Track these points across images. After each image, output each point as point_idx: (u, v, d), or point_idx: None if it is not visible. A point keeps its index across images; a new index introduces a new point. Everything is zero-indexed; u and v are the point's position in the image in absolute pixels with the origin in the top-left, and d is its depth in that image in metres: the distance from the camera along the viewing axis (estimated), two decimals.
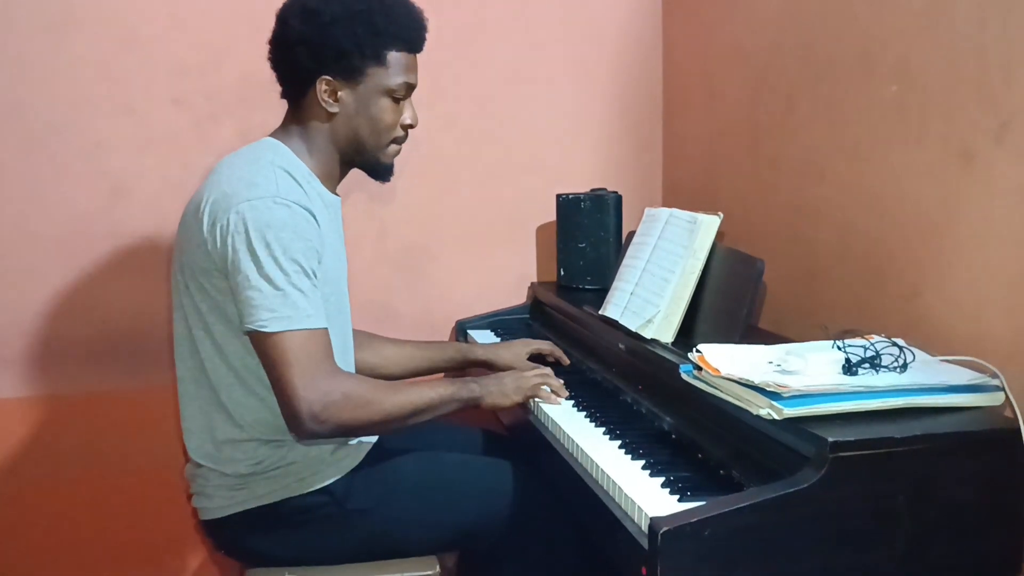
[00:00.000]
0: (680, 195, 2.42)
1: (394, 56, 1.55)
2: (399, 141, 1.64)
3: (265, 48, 1.59)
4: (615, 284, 1.90)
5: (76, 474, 2.16)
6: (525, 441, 1.73)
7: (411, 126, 1.63)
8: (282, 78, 1.59)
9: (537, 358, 1.93)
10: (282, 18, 1.55)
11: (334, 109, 1.56)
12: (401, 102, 1.60)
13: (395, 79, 1.56)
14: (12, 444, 2.12)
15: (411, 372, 1.93)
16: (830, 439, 1.13)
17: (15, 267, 2.08)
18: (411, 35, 1.57)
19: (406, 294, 2.36)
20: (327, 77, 1.53)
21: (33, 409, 2.13)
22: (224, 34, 2.13)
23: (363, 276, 2.29)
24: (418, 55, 1.61)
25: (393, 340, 1.95)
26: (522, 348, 1.93)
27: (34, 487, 2.14)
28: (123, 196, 2.12)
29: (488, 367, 1.90)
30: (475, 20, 2.32)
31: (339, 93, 1.55)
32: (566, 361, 1.93)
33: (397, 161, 1.67)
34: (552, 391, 1.69)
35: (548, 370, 1.74)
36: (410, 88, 1.60)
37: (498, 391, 1.62)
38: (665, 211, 1.85)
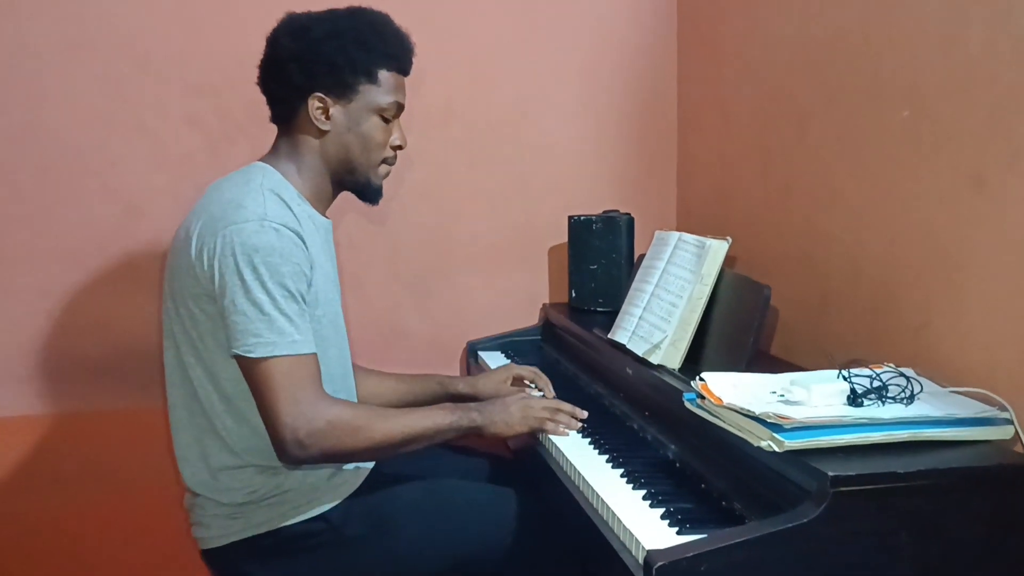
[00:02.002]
0: (693, 218, 2.40)
1: (384, 75, 1.57)
2: (389, 162, 1.65)
3: None
4: (624, 308, 1.88)
5: (83, 492, 2.16)
6: (529, 466, 1.71)
7: (400, 147, 1.64)
8: (273, 99, 1.60)
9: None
10: (273, 39, 1.58)
11: (326, 127, 1.56)
12: (391, 123, 1.61)
13: (386, 98, 1.58)
14: (20, 461, 2.13)
15: (393, 406, 1.83)
16: (831, 473, 1.10)
17: (26, 285, 2.09)
18: (400, 55, 1.60)
19: (417, 315, 2.36)
20: (319, 94, 1.55)
21: (41, 427, 2.14)
22: (238, 55, 2.12)
23: (374, 297, 2.29)
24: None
25: (376, 372, 1.90)
26: (504, 374, 1.89)
27: (40, 505, 2.14)
28: (136, 215, 2.14)
29: (473, 400, 1.82)
30: (488, 41, 2.32)
31: (331, 110, 1.56)
32: (551, 393, 1.83)
33: (395, 182, 1.67)
34: (563, 421, 1.65)
35: (558, 401, 1.71)
36: (400, 108, 1.61)
37: (502, 420, 1.59)
38: (674, 234, 1.83)
